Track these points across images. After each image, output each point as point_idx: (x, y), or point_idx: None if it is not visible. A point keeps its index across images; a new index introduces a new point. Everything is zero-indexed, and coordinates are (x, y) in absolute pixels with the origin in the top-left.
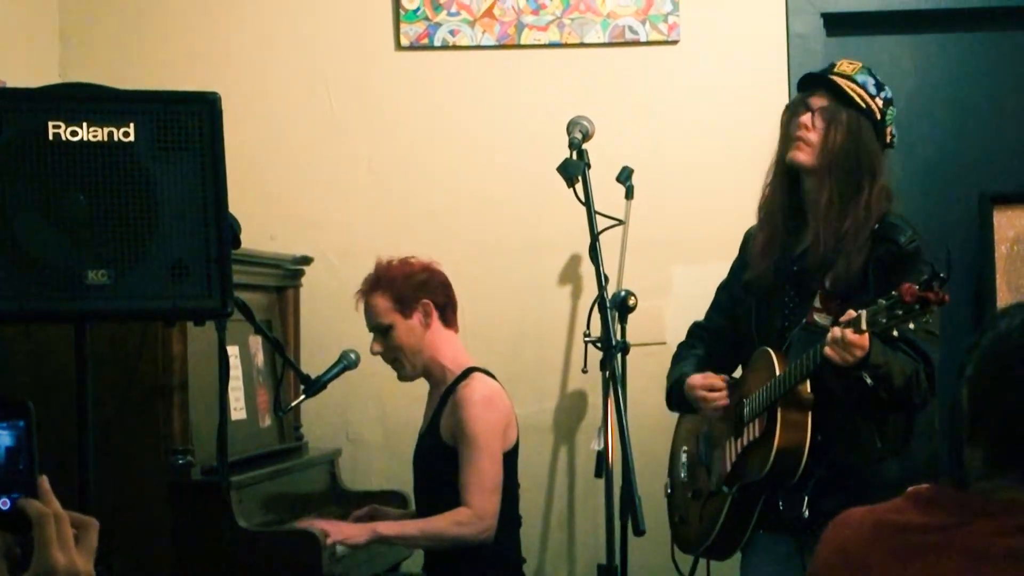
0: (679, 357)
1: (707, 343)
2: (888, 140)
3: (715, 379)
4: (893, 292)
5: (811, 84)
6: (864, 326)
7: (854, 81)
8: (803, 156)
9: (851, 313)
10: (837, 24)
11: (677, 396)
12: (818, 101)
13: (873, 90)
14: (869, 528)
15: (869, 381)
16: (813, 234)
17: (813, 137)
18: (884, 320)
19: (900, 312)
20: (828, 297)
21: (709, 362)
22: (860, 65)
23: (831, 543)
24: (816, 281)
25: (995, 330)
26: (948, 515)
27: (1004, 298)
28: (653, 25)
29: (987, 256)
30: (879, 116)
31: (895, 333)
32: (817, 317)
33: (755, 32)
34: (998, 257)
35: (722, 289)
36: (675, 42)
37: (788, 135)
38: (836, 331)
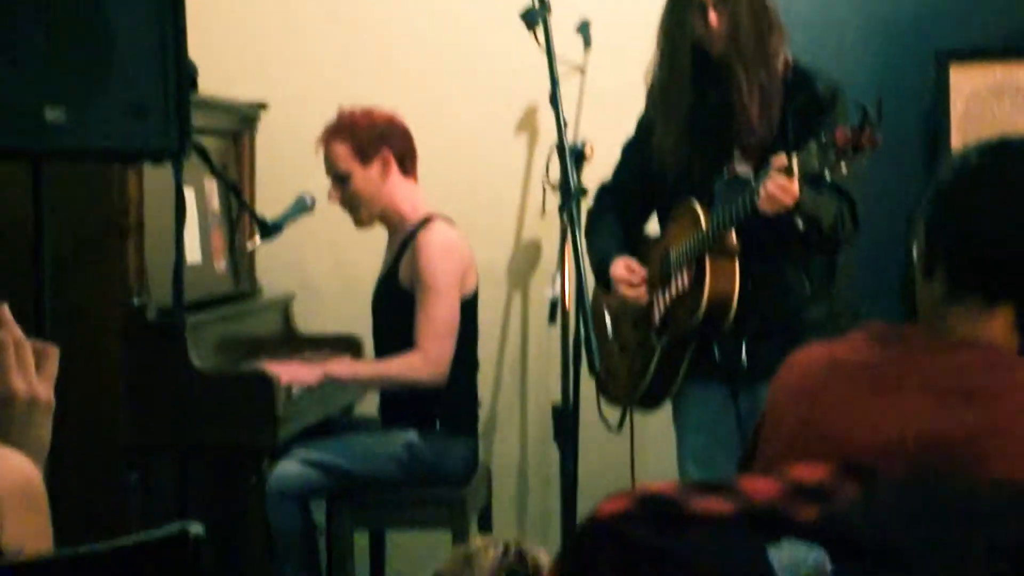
0: (594, 229)
1: (618, 204)
2: None
3: (635, 273)
4: (823, 135)
5: None
6: (796, 171)
7: None
8: (716, 50)
9: (782, 159)
10: None
11: (603, 278)
12: None
13: None
14: (825, 365)
15: (801, 226)
16: (737, 96)
17: (720, 28)
18: (817, 164)
19: (832, 156)
20: (748, 148)
21: (623, 229)
22: None
23: (786, 381)
24: (734, 134)
25: (953, 161)
26: (904, 351)
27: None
28: None
29: (943, 114)
30: None
31: (828, 177)
32: (739, 168)
33: None
34: (954, 115)
35: (630, 148)
36: None
37: (684, 30)
38: (768, 180)
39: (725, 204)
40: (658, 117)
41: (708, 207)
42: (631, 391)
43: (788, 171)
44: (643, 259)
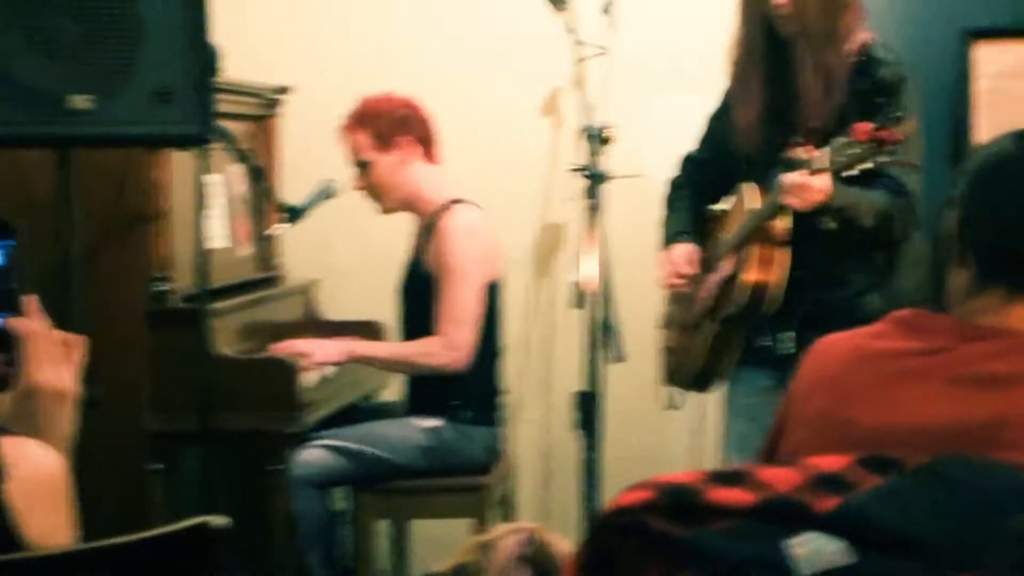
0: (670, 200)
1: (697, 175)
2: None
3: (687, 264)
4: (847, 131)
5: None
6: (817, 166)
7: None
8: (784, 28)
9: (814, 152)
10: None
11: None
12: None
13: None
14: (849, 353)
15: (832, 225)
16: (801, 78)
17: (787, 6)
18: (841, 159)
19: (856, 151)
20: (810, 132)
21: (697, 203)
22: None
23: (811, 368)
24: (798, 117)
25: (985, 150)
26: (930, 340)
27: (984, 134)
28: None
29: (967, 93)
30: None
31: (855, 172)
32: (799, 152)
33: None
34: (978, 93)
35: (714, 119)
36: None
37: (755, 8)
38: (787, 176)
39: (771, 193)
40: (736, 95)
41: (765, 191)
42: (684, 370)
43: (811, 167)
44: (710, 236)
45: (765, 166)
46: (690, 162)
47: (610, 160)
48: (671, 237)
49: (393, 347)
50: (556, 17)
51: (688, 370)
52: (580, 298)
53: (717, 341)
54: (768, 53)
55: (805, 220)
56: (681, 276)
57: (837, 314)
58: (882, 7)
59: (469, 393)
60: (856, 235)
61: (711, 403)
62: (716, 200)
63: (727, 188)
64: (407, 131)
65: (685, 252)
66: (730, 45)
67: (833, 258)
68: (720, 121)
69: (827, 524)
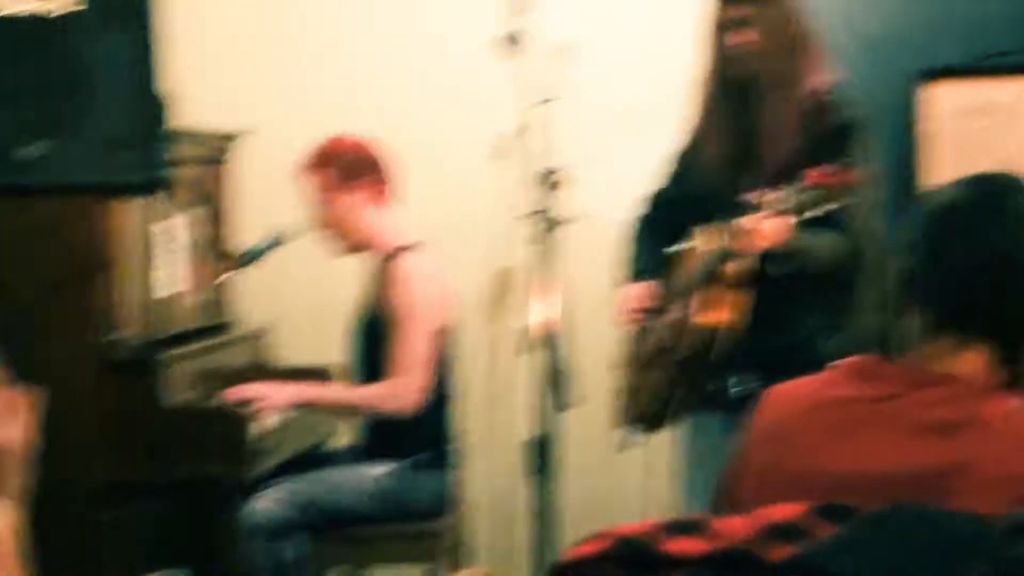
0: (635, 238)
1: (660, 215)
2: None
3: (642, 300)
4: (800, 176)
5: None
6: (768, 210)
7: None
8: (746, 69)
9: (767, 197)
10: None
11: None
12: (739, 10)
13: None
14: (801, 401)
15: (783, 269)
16: (761, 120)
17: (748, 47)
18: (791, 205)
19: (808, 196)
20: (769, 176)
21: (662, 242)
22: None
23: (763, 417)
24: (756, 159)
25: (931, 198)
26: (881, 387)
27: (934, 175)
28: None
29: (919, 133)
30: None
31: (817, 213)
32: (754, 195)
33: None
34: (930, 134)
35: (681, 156)
36: None
37: (716, 57)
38: (738, 221)
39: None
40: (703, 133)
41: (719, 233)
42: (635, 411)
43: (759, 210)
44: (671, 275)
45: (726, 207)
46: (656, 199)
47: (561, 204)
48: (632, 276)
49: (345, 391)
50: (508, 62)
51: (641, 410)
52: (529, 343)
53: (670, 382)
54: (731, 93)
55: (758, 264)
56: (636, 312)
57: (790, 357)
58: (833, 48)
59: (421, 438)
60: (807, 279)
61: (665, 444)
62: (679, 238)
63: (690, 226)
64: (364, 173)
65: (641, 289)
66: (697, 83)
67: (786, 301)
68: (686, 159)
69: (781, 573)
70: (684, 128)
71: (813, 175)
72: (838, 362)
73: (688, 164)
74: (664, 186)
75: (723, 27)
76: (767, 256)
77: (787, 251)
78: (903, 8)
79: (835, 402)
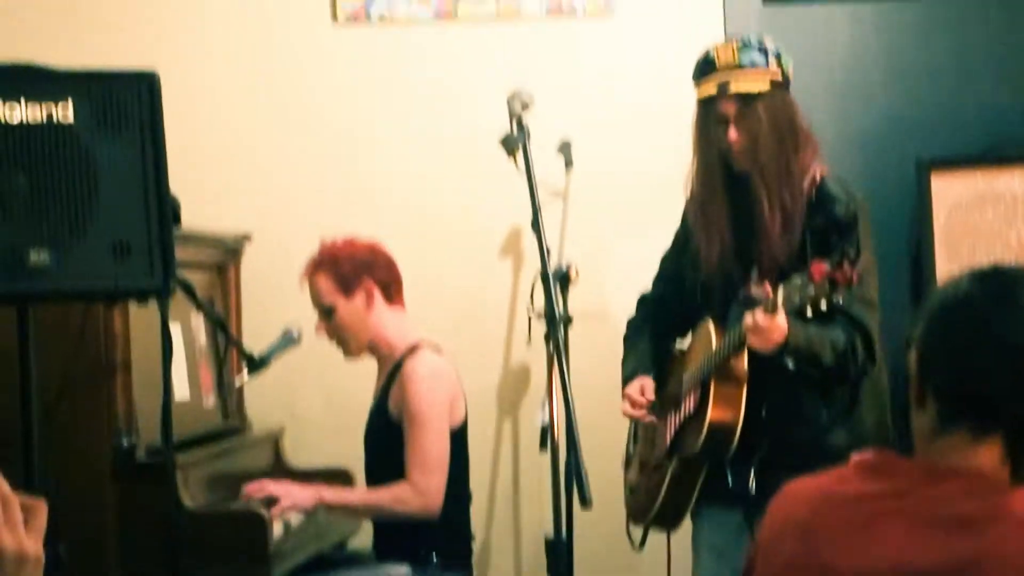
0: (628, 340)
1: (654, 315)
2: (791, 80)
3: (644, 395)
4: (803, 272)
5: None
6: (773, 308)
7: (743, 66)
8: (739, 165)
9: (770, 293)
10: None
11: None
12: (729, 108)
13: (763, 59)
14: (814, 498)
15: (791, 365)
16: (759, 214)
17: (739, 144)
18: (796, 300)
19: (811, 292)
20: (767, 270)
21: (655, 343)
22: (736, 43)
23: (777, 514)
24: (755, 253)
25: (944, 292)
26: (894, 482)
27: (943, 265)
28: None
29: (925, 223)
30: (782, 77)
31: (809, 314)
32: (754, 290)
33: (691, 2)
34: (937, 224)
35: (667, 260)
36: (611, 14)
37: (707, 156)
38: (748, 317)
39: (731, 329)
40: (698, 230)
41: (723, 329)
42: (647, 509)
43: (770, 306)
44: (671, 374)
45: (723, 301)
46: (646, 302)
47: (573, 299)
48: (628, 376)
49: (364, 494)
50: (512, 159)
51: (652, 510)
52: (547, 441)
53: (678, 480)
54: (728, 187)
55: (765, 358)
56: (637, 405)
57: (800, 452)
58: (837, 138)
59: (437, 539)
60: (815, 373)
61: (679, 542)
62: (672, 339)
63: (683, 326)
64: (370, 274)
65: (638, 384)
66: (688, 178)
67: (795, 396)
68: (673, 260)
69: None
70: (679, 222)
71: (819, 270)
72: (852, 458)
73: (675, 264)
74: (652, 289)
75: (715, 123)
76: (778, 351)
77: (796, 346)
78: (909, 98)
79: (851, 498)
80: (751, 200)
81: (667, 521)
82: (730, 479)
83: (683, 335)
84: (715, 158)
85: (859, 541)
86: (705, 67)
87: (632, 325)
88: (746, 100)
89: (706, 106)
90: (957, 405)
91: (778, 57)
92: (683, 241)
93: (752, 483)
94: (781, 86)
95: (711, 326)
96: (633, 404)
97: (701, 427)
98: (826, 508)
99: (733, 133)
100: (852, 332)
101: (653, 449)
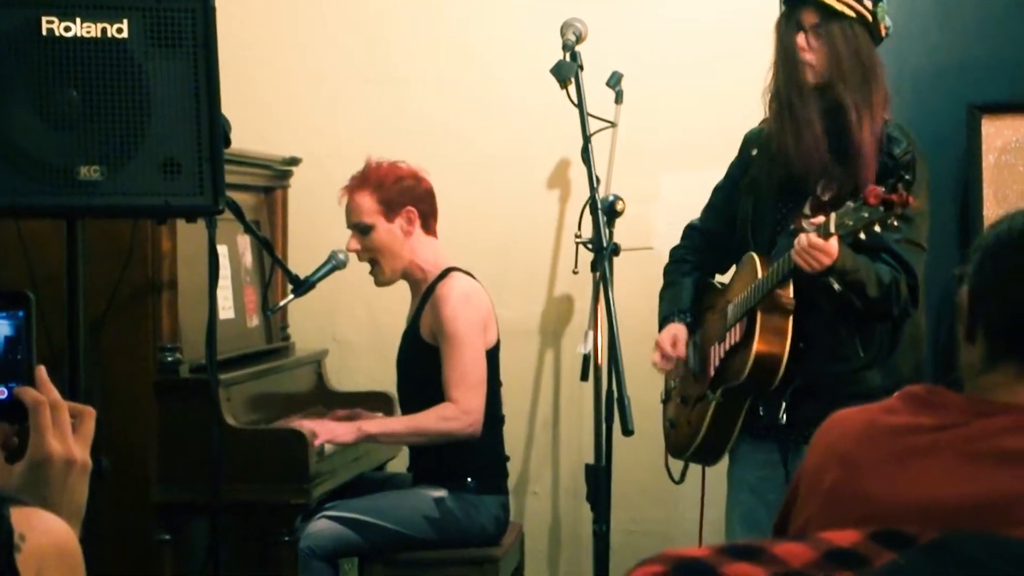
0: (670, 272)
1: (700, 246)
2: (883, 35)
3: (675, 347)
4: (859, 195)
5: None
6: (831, 229)
7: None
8: (808, 77)
9: (822, 218)
10: None
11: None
12: (809, 17)
13: None
14: (861, 429)
15: (836, 287)
16: (855, 136)
17: (811, 57)
18: (851, 223)
19: (866, 215)
20: (819, 204)
21: (698, 276)
22: None
23: (821, 443)
24: (810, 187)
25: (996, 228)
26: (943, 416)
27: (991, 208)
28: None
29: (974, 166)
30: (870, 17)
31: (863, 237)
32: (805, 224)
33: None
34: (985, 167)
35: (718, 190)
36: None
37: (787, 57)
38: (802, 237)
39: (778, 259)
40: (784, 128)
41: (769, 260)
42: (688, 444)
43: (823, 230)
44: (714, 307)
45: (770, 239)
46: (693, 232)
47: (619, 232)
48: (664, 316)
49: (406, 420)
50: (564, 89)
51: (692, 444)
52: (589, 370)
53: (720, 414)
54: (815, 102)
55: (807, 291)
56: (667, 359)
57: (834, 388)
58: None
59: (473, 462)
60: (858, 303)
61: (718, 476)
62: (717, 271)
63: (729, 260)
64: (412, 201)
65: (671, 335)
66: (767, 85)
67: (834, 331)
68: (727, 190)
69: None
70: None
71: (875, 193)
72: (902, 389)
73: (727, 197)
74: (701, 219)
75: (794, 28)
76: (824, 274)
77: (844, 270)
78: (962, 42)
79: (896, 429)
80: (843, 123)
81: (707, 455)
82: (762, 411)
83: (724, 273)
84: (799, 69)
85: (900, 472)
86: None
87: (675, 256)
88: (826, 13)
89: (787, 13)
90: (1007, 339)
91: (874, 2)
92: (738, 169)
93: (783, 414)
94: (866, 25)
95: (756, 257)
96: (664, 356)
97: (747, 357)
98: (870, 438)
99: (806, 41)
100: (898, 271)
101: (695, 383)
